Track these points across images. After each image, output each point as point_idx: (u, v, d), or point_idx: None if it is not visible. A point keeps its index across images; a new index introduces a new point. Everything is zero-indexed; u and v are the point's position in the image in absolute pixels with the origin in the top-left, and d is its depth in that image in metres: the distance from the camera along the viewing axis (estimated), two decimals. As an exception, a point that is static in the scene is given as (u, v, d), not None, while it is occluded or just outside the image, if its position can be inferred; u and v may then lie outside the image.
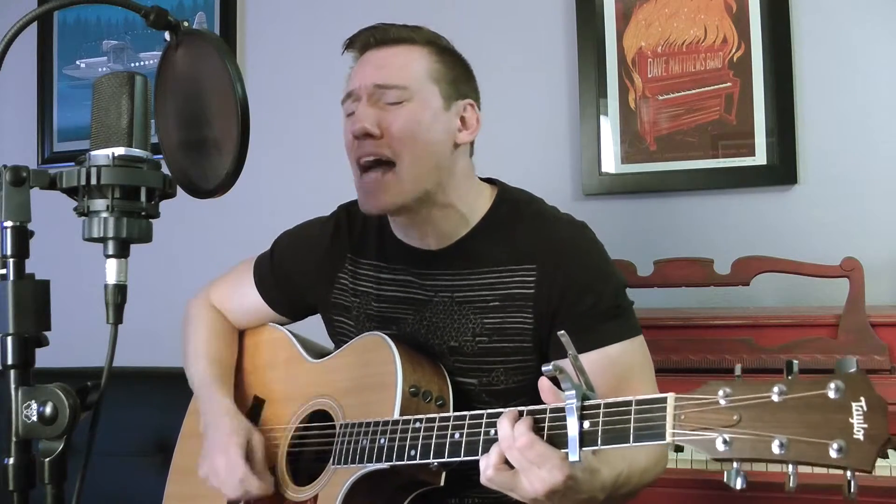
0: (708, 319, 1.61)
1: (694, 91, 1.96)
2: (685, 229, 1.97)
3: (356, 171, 1.21)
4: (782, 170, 1.89)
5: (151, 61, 2.44)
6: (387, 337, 1.20)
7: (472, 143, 1.26)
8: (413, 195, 1.17)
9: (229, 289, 1.48)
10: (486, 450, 0.97)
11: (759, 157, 1.91)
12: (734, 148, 1.93)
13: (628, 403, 0.88)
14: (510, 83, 2.08)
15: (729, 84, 1.94)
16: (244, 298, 1.45)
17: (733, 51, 1.94)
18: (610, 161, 2.02)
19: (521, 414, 0.96)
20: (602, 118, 2.02)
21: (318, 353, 1.36)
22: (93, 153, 0.80)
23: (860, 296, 1.52)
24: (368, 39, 1.23)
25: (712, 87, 1.95)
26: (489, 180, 1.30)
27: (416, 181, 1.17)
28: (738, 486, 0.78)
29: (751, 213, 1.93)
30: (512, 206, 1.26)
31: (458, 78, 1.24)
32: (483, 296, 1.21)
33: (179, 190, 0.87)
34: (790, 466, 0.76)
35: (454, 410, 1.18)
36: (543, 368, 0.90)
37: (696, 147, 1.95)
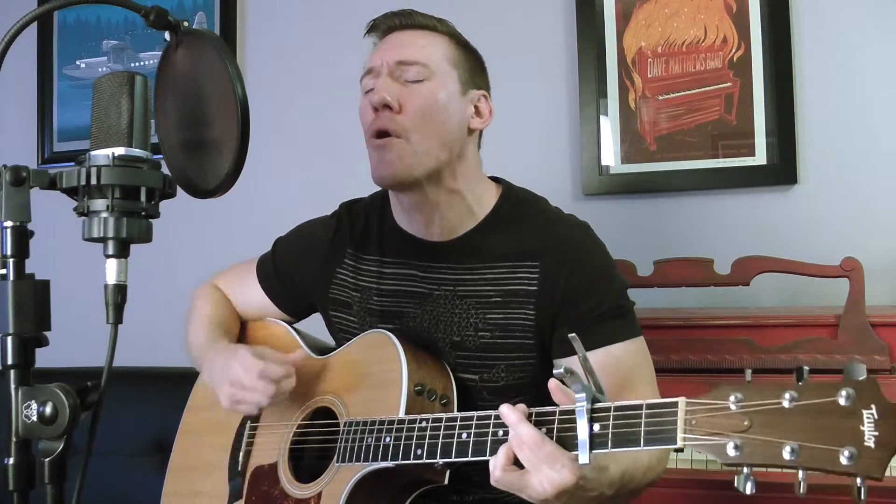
0: (708, 319, 1.61)
1: (694, 91, 1.96)
2: (685, 229, 1.97)
3: (369, 139, 1.21)
4: (782, 170, 1.89)
5: (151, 61, 2.44)
6: (391, 334, 1.20)
7: (480, 136, 1.28)
8: (424, 168, 1.18)
9: (233, 283, 1.49)
10: (493, 450, 0.97)
11: (759, 157, 1.91)
12: (734, 148, 1.93)
13: (639, 407, 0.88)
14: (510, 83, 2.08)
15: (729, 84, 1.94)
16: (249, 294, 1.46)
17: (733, 51, 1.94)
18: (610, 161, 2.02)
19: (530, 415, 0.96)
20: (602, 118, 2.02)
21: (320, 348, 1.36)
22: (93, 153, 0.80)
23: (860, 296, 1.52)
24: (393, 21, 1.26)
25: (712, 87, 1.95)
26: (493, 179, 1.31)
27: (427, 155, 1.18)
28: (749, 491, 0.78)
29: (751, 213, 1.93)
30: (516, 203, 1.27)
31: (475, 69, 1.27)
32: (485, 290, 1.21)
33: (179, 190, 0.86)
34: (800, 472, 0.76)
35: (456, 405, 1.18)
36: (555, 371, 0.90)
37: (696, 147, 1.95)
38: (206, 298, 1.47)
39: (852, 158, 1.87)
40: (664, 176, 1.97)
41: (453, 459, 1.03)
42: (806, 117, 1.89)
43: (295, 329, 1.42)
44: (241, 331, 1.48)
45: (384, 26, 1.27)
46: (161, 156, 0.87)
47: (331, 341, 1.41)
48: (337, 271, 1.35)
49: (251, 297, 1.46)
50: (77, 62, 2.53)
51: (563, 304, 1.17)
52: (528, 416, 0.96)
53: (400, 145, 1.18)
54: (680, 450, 0.84)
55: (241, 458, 1.33)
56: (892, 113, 1.85)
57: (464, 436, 1.02)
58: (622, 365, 1.15)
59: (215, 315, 1.43)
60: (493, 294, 1.21)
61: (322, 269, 1.36)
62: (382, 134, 1.18)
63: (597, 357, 1.12)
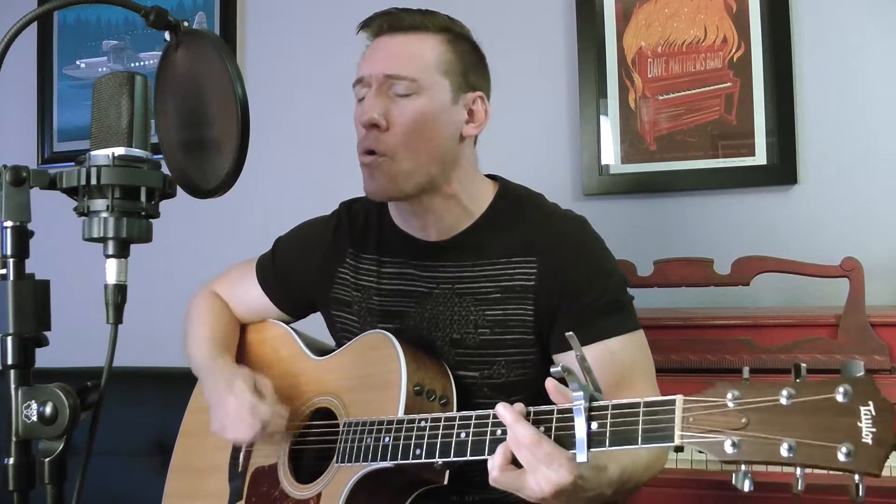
0: (708, 319, 1.61)
1: (694, 91, 1.96)
2: (685, 229, 1.97)
3: (360, 159, 1.21)
4: (782, 170, 1.89)
5: (151, 61, 2.44)
6: (390, 335, 1.20)
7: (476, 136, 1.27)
8: (413, 184, 1.18)
9: (232, 285, 1.49)
10: (492, 450, 0.97)
11: (759, 157, 1.91)
12: (734, 148, 1.93)
13: (636, 405, 0.88)
14: (510, 83, 2.08)
15: (729, 84, 1.94)
16: (247, 296, 1.46)
17: (733, 51, 1.94)
18: (610, 161, 2.02)
19: (528, 413, 0.96)
20: (602, 118, 2.02)
21: (320, 350, 1.36)
22: (93, 153, 0.80)
23: (860, 296, 1.52)
24: (382, 25, 1.22)
25: (712, 87, 1.95)
26: (490, 176, 1.31)
27: (416, 171, 1.18)
28: (746, 489, 0.78)
29: (751, 213, 1.93)
30: (513, 200, 1.27)
31: (470, 69, 1.23)
32: (484, 287, 1.21)
33: (179, 190, 0.87)
34: (798, 469, 0.76)
35: (456, 406, 1.18)
36: (552, 370, 0.90)
37: (696, 147, 1.95)
38: (206, 307, 1.46)
39: (852, 158, 1.87)
40: (664, 176, 1.97)
41: (452, 459, 1.03)
42: (806, 117, 1.89)
43: (295, 330, 1.42)
44: (241, 333, 1.48)
45: (374, 27, 1.23)
46: (161, 156, 0.87)
47: (331, 342, 1.41)
48: (338, 271, 1.35)
49: (250, 298, 1.45)
50: (77, 62, 2.53)
51: (561, 298, 1.17)
52: (527, 416, 0.96)
53: (386, 164, 1.17)
54: (680, 448, 0.84)
55: (241, 459, 1.33)
56: (892, 113, 1.85)
57: (462, 435, 1.02)
58: (619, 360, 1.15)
59: (215, 327, 1.43)
60: (491, 290, 1.21)
61: (323, 267, 1.36)
62: (370, 153, 1.18)
63: (594, 352, 1.12)
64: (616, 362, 1.14)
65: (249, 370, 1.30)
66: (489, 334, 1.21)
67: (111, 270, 0.80)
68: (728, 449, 0.79)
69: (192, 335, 1.44)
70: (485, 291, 1.21)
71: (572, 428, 0.90)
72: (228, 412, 1.24)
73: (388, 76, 1.18)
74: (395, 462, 1.08)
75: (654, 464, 1.12)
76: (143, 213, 0.81)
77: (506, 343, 1.21)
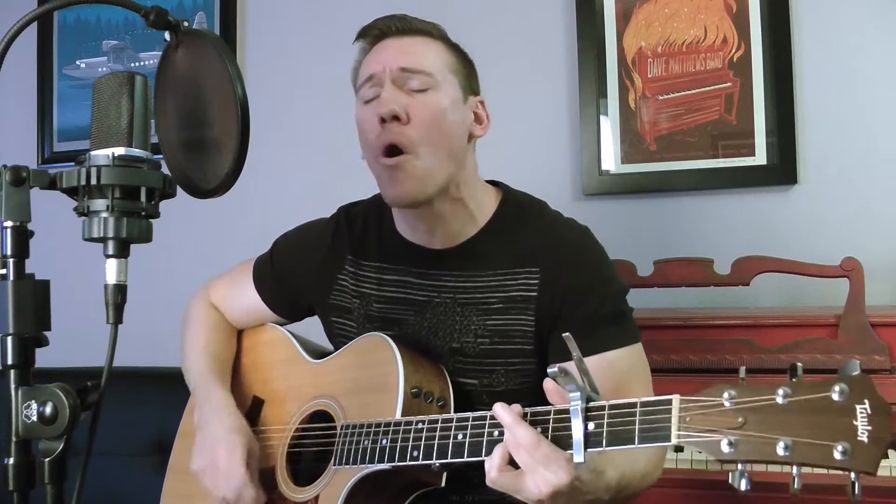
0: (708, 319, 1.61)
1: (694, 91, 1.96)
2: (685, 229, 1.97)
3: (377, 156, 1.17)
4: (782, 170, 1.89)
5: (151, 61, 2.44)
6: (388, 337, 1.20)
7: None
8: (436, 184, 1.17)
9: (228, 288, 1.48)
10: (489, 451, 0.97)
11: (759, 157, 1.91)
12: (734, 148, 1.93)
13: (633, 405, 0.88)
14: (510, 83, 2.08)
15: (729, 84, 1.94)
16: (243, 298, 1.45)
17: (733, 51, 1.94)
18: (610, 161, 2.02)
19: (525, 414, 0.96)
20: (602, 118, 2.02)
21: (318, 353, 1.36)
22: (93, 153, 0.80)
23: (860, 296, 1.52)
24: (390, 26, 1.22)
25: (712, 87, 1.95)
26: (492, 182, 1.31)
27: (437, 169, 1.17)
28: (743, 488, 0.79)
29: (751, 213, 1.93)
30: (516, 208, 1.26)
31: (471, 75, 1.26)
32: (486, 297, 1.21)
33: (179, 190, 0.87)
34: (794, 468, 0.76)
35: (454, 411, 1.18)
36: (549, 370, 0.90)
37: (696, 147, 1.95)
38: (201, 319, 1.46)
39: (852, 158, 1.87)
40: (664, 176, 1.97)
41: (449, 460, 1.03)
42: (806, 117, 1.90)
43: (292, 334, 1.42)
44: (239, 338, 1.47)
45: (377, 31, 1.23)
46: (161, 156, 0.87)
47: (328, 346, 1.41)
48: (338, 277, 1.34)
49: (247, 301, 1.44)
50: (77, 62, 2.53)
51: (562, 306, 1.17)
52: (524, 417, 0.95)
53: (410, 163, 1.15)
54: (680, 449, 0.84)
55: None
56: (892, 113, 1.85)
57: (459, 436, 1.02)
58: (617, 368, 1.15)
59: (210, 347, 1.42)
60: (493, 301, 1.21)
61: (322, 272, 1.36)
62: (392, 151, 1.15)
63: (592, 363, 1.11)
64: (615, 373, 1.14)
65: (246, 425, 1.29)
66: (489, 343, 1.21)
67: (111, 270, 0.80)
68: (725, 448, 0.79)
69: (186, 352, 1.43)
70: (487, 301, 1.21)
71: (569, 428, 0.90)
72: (218, 467, 1.24)
73: (403, 69, 1.17)
74: (393, 464, 1.08)
75: (652, 473, 1.12)
76: (143, 213, 0.81)
77: (506, 352, 1.20)
